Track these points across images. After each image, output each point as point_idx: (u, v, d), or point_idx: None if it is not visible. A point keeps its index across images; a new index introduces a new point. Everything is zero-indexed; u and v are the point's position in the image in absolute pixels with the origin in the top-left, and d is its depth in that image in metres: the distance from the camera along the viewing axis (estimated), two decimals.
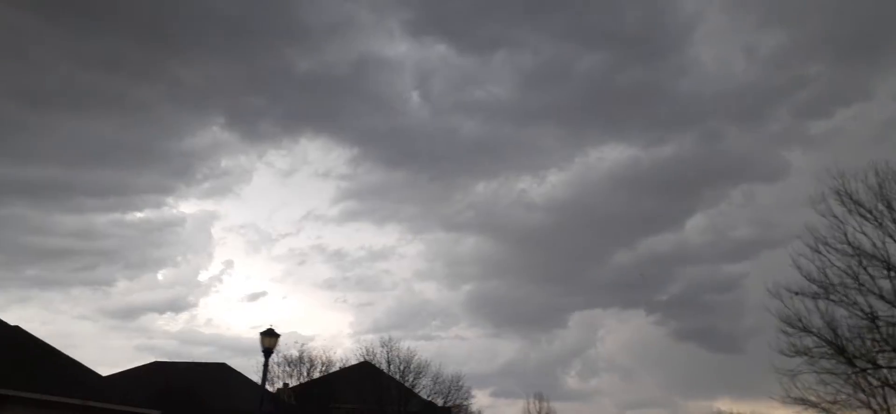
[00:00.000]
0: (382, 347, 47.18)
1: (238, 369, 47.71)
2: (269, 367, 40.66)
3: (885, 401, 26.85)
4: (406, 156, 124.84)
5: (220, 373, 46.37)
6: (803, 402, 26.78)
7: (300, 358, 40.91)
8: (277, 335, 19.27)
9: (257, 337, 19.43)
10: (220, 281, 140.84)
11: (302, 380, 41.47)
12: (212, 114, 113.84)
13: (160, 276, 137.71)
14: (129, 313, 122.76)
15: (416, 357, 47.12)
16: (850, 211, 22.67)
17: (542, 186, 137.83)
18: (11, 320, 28.78)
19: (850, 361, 24.50)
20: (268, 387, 41.40)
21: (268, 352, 19.25)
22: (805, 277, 23.52)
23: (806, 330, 24.39)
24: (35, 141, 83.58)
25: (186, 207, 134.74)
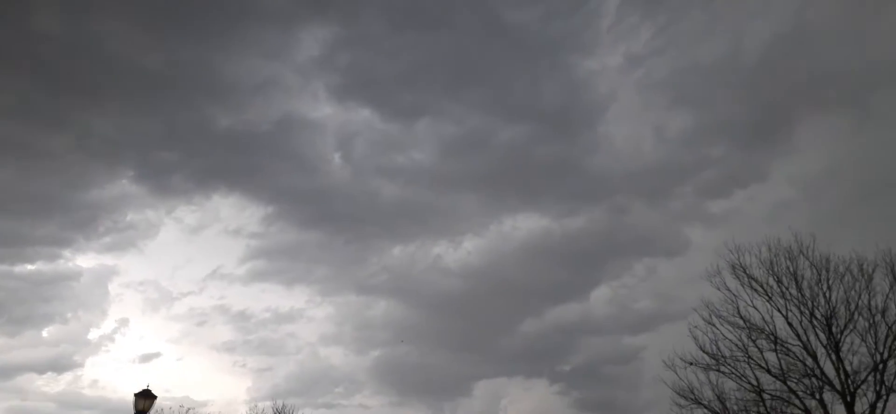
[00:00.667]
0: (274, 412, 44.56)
1: None
2: None
3: None
4: (323, 217, 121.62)
5: None
6: None
7: None
8: (153, 397, 17.36)
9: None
10: (112, 340, 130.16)
11: None
12: (122, 166, 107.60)
13: (45, 333, 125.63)
14: (4, 372, 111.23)
15: None
16: (743, 284, 23.63)
17: (458, 252, 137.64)
18: None
19: None
20: None
21: None
22: (700, 348, 24.18)
23: (697, 402, 24.88)
24: None
25: (84, 260, 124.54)
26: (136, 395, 17.06)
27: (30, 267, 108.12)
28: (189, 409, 49.02)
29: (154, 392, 17.22)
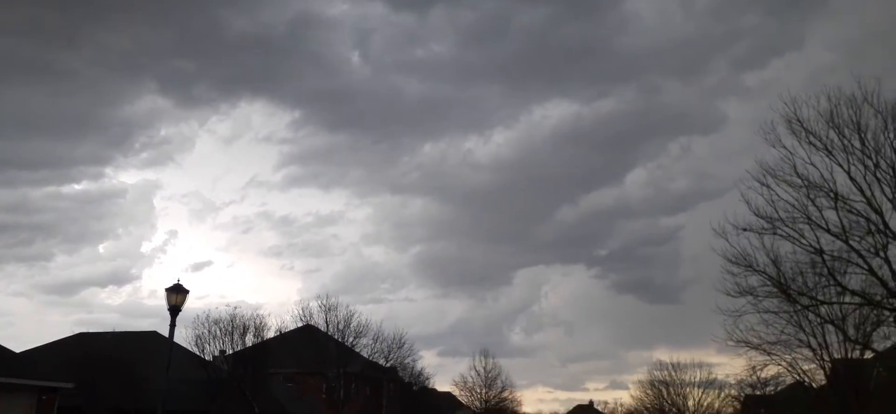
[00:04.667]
0: (321, 307, 45.40)
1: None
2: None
3: (825, 339, 26.74)
4: (349, 118, 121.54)
5: (150, 341, 43.67)
6: (746, 343, 26.44)
7: (232, 322, 38.60)
8: (186, 291, 17.28)
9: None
10: (164, 252, 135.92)
11: (236, 347, 39.31)
12: (145, 79, 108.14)
13: (101, 249, 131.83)
14: (68, 288, 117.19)
15: (355, 316, 45.50)
16: (799, 140, 21.90)
17: (489, 145, 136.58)
18: None
19: (792, 300, 24.11)
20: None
21: (175, 310, 17.25)
22: (753, 211, 22.77)
23: (751, 268, 23.76)
24: None
25: (126, 177, 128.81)
26: (167, 290, 16.93)
27: (77, 187, 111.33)
28: (236, 306, 50.74)
29: (185, 286, 17.03)
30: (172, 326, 17.42)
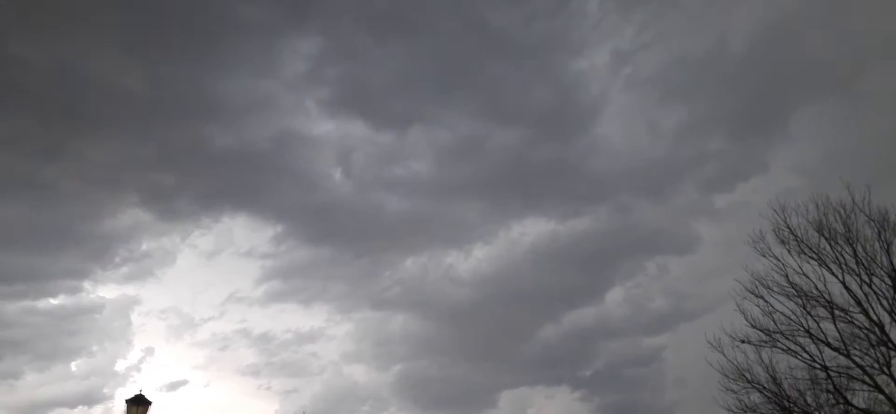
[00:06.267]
0: None
1: None
2: None
3: None
4: (330, 233, 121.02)
5: None
6: None
7: None
8: (148, 403, 15.84)
9: None
10: (139, 370, 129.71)
11: None
12: (125, 193, 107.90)
13: (74, 366, 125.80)
14: (36, 409, 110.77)
15: None
16: (790, 249, 21.47)
17: (469, 261, 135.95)
18: None
19: None
20: None
21: None
22: (750, 323, 21.95)
23: (752, 384, 22.68)
24: None
25: (105, 291, 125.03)
26: (127, 401, 15.52)
27: (53, 301, 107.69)
28: None
29: (147, 397, 15.62)
30: None
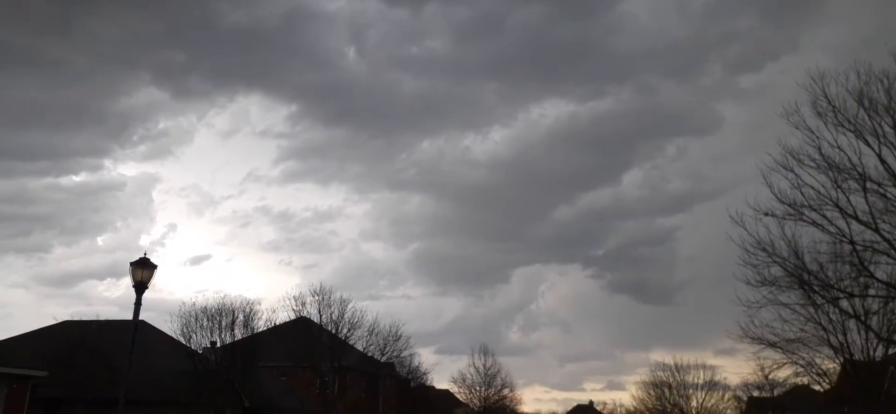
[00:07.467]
0: (313, 296, 43.69)
1: (159, 327, 43.49)
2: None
3: (845, 336, 25.11)
4: (345, 113, 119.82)
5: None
6: (760, 341, 24.85)
7: (220, 311, 36.85)
8: (153, 266, 15.70)
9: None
10: (163, 245, 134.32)
11: (225, 337, 37.60)
12: (136, 70, 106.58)
13: (100, 241, 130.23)
14: (67, 280, 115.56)
15: (350, 306, 43.75)
16: (826, 121, 20.27)
17: (486, 143, 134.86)
18: None
19: (814, 292, 22.58)
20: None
21: (141, 286, 15.65)
22: (776, 196, 21.12)
23: (773, 257, 22.15)
24: None
25: (125, 169, 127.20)
26: (132, 264, 15.32)
27: (75, 178, 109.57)
28: (224, 295, 49.42)
29: (153, 261, 15.42)
30: (137, 303, 15.78)
